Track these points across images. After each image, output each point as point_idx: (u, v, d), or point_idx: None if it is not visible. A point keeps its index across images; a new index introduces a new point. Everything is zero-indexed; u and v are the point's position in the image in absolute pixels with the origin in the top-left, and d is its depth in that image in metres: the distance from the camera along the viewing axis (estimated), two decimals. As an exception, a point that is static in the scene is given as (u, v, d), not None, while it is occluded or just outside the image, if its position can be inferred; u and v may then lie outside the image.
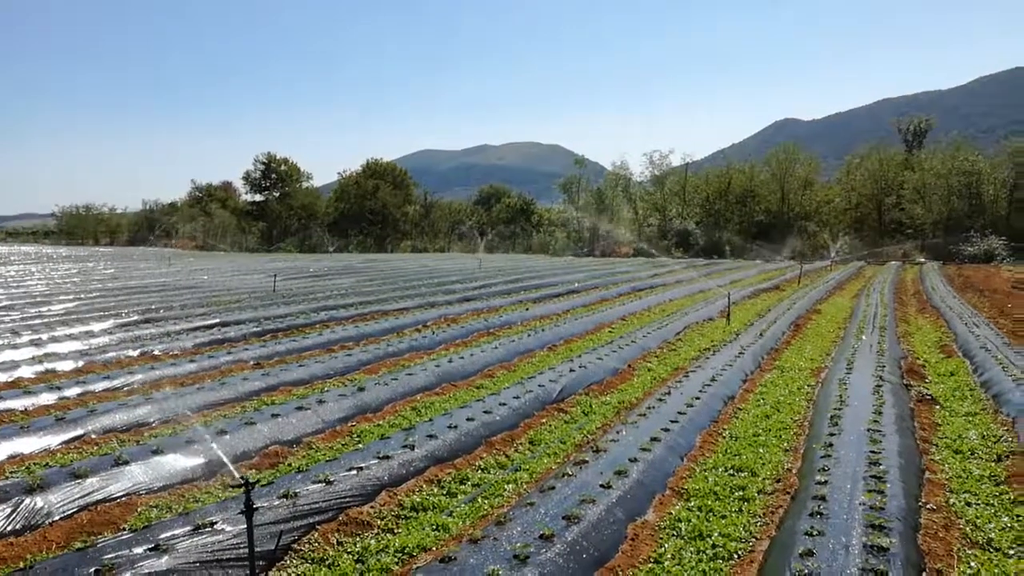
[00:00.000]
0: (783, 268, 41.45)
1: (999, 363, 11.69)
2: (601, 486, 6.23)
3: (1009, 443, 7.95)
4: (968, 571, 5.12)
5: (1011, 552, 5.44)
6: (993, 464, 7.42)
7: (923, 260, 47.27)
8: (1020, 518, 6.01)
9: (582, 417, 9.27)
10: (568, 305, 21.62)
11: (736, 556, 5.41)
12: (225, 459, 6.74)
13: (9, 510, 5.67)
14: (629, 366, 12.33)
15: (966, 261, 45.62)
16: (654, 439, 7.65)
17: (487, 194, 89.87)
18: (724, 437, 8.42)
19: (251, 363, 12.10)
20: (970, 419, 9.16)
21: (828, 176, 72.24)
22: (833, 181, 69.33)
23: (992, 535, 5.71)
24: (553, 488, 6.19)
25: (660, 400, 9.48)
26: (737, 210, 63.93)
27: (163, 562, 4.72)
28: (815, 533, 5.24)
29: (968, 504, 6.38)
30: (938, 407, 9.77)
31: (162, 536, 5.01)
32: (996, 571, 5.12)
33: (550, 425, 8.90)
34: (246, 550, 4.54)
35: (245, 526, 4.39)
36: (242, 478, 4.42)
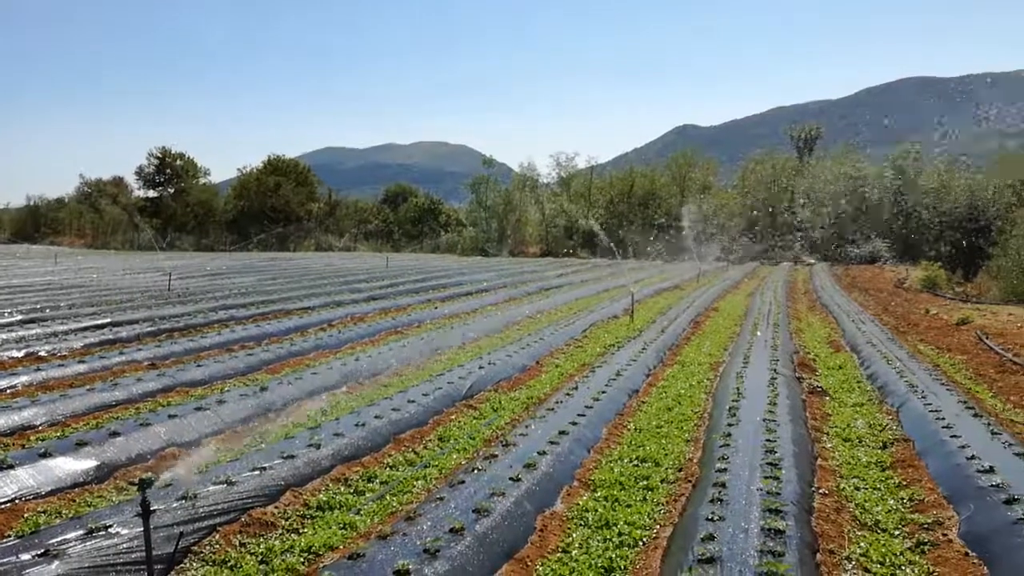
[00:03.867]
0: (683, 268, 42.66)
1: (884, 357, 12.38)
2: (511, 479, 6.26)
3: (894, 431, 8.42)
4: (858, 551, 5.40)
5: (896, 533, 5.76)
6: (879, 451, 7.85)
7: (813, 261, 49.50)
8: (904, 501, 6.38)
9: (491, 413, 9.30)
10: (477, 304, 21.65)
11: (641, 543, 5.54)
12: (119, 461, 6.44)
13: None
14: (537, 363, 12.45)
15: (853, 262, 48.05)
16: (562, 432, 7.74)
17: (394, 193, 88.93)
18: (629, 429, 8.61)
19: (145, 363, 11.60)
20: (858, 409, 9.66)
21: (725, 180, 74.82)
22: (729, 185, 71.88)
23: (879, 517, 6.04)
24: (463, 483, 6.18)
25: (568, 395, 9.61)
26: (640, 212, 65.41)
27: (53, 568, 4.46)
28: (716, 518, 5.42)
29: (857, 488, 6.73)
30: (828, 398, 10.27)
31: (52, 541, 4.74)
32: (883, 550, 5.41)
33: (460, 421, 8.89)
34: (143, 554, 4.35)
35: (141, 529, 4.21)
36: (138, 480, 4.23)
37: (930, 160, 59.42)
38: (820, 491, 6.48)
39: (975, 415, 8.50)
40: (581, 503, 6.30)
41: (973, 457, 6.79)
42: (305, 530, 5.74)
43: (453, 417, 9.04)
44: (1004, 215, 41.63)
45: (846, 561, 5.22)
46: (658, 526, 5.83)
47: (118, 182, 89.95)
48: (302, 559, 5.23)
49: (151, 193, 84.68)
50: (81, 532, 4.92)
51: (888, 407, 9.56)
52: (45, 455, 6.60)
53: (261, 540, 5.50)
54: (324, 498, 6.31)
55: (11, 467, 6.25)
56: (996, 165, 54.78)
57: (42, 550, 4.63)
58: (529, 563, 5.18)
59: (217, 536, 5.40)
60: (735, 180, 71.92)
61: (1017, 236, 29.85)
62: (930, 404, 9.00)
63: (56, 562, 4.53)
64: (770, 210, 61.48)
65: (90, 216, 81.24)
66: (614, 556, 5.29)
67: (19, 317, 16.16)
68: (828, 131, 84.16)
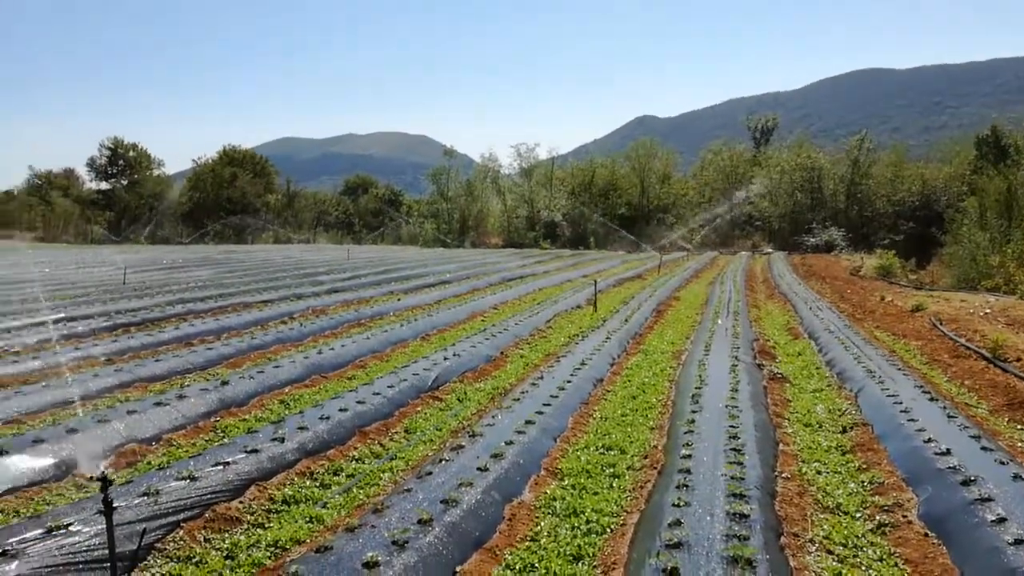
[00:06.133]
0: (644, 258, 43.03)
1: (841, 343, 12.62)
2: (478, 469, 6.26)
3: (853, 416, 8.59)
4: (821, 533, 5.50)
5: (858, 515, 5.89)
6: (839, 435, 8.00)
7: (771, 250, 50.26)
8: (864, 484, 6.52)
9: (457, 404, 9.29)
10: (440, 295, 21.58)
11: (609, 530, 5.58)
12: (77, 458, 6.30)
13: None
14: (502, 353, 12.45)
15: (809, 251, 48.87)
16: (528, 422, 7.76)
17: (354, 184, 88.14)
18: (594, 418, 8.66)
19: (102, 359, 11.35)
20: (817, 395, 9.84)
21: (684, 171, 75.55)
22: (688, 176, 72.60)
23: (841, 500, 6.16)
24: (431, 474, 6.16)
25: (533, 385, 9.63)
26: (601, 202, 65.74)
27: (13, 568, 4.35)
28: (682, 504, 5.48)
29: (819, 472, 6.85)
30: (788, 384, 10.44)
31: (10, 541, 4.61)
32: (845, 532, 5.52)
33: (425, 413, 8.86)
34: (106, 551, 4.27)
35: (103, 526, 4.12)
36: (99, 476, 4.14)
37: (883, 150, 60.68)
38: (783, 475, 6.58)
39: (931, 399, 8.71)
40: (549, 492, 6.32)
41: (930, 440, 6.95)
42: (271, 524, 5.68)
43: (419, 409, 9.01)
44: (955, 204, 42.70)
45: (810, 544, 5.32)
46: (625, 513, 5.88)
47: (69, 174, 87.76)
48: (268, 553, 5.18)
49: (103, 185, 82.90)
50: (40, 531, 4.80)
51: (847, 392, 9.75)
52: (1, 453, 6.43)
53: (226, 535, 5.42)
54: (289, 492, 6.25)
55: (-36, 466, 6.08)
56: (947, 155, 56.07)
57: (0, 550, 4.51)
58: (498, 552, 5.19)
59: (181, 532, 5.32)
60: (693, 170, 72.68)
61: (968, 225, 30.64)
62: (887, 389, 9.20)
63: (15, 562, 4.42)
64: (728, 200, 62.25)
65: (41, 209, 79.15)
66: (582, 543, 5.32)
67: (-32, 313, 15.69)
68: (784, 122, 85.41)
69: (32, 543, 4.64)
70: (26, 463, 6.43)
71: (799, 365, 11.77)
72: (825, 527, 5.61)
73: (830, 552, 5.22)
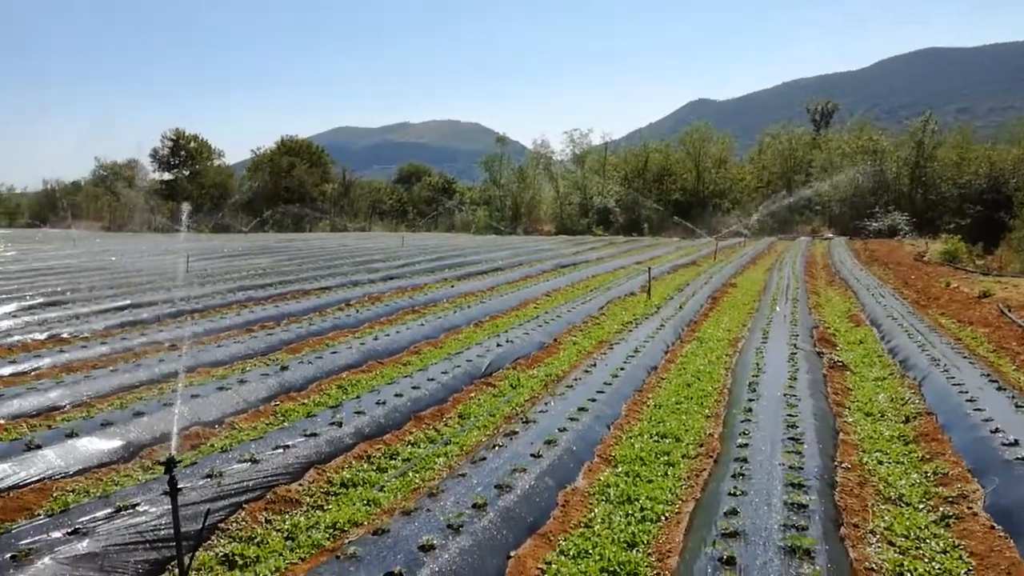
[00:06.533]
0: (699, 244, 42.46)
1: (905, 331, 12.29)
2: (532, 455, 6.28)
3: (916, 405, 8.36)
4: (882, 524, 5.38)
5: (920, 506, 5.74)
6: (902, 425, 7.81)
7: (831, 235, 49.10)
8: (928, 475, 6.35)
9: (510, 390, 9.32)
10: (493, 282, 21.65)
11: (663, 518, 5.55)
12: (144, 440, 6.51)
13: (-90, 500, 5.35)
14: (555, 340, 12.45)
15: (871, 236, 47.62)
16: (581, 409, 7.75)
17: (408, 172, 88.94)
18: (648, 406, 8.60)
19: (167, 344, 11.69)
20: (879, 383, 9.61)
21: (740, 155, 74.16)
22: (745, 160, 71.23)
23: (903, 491, 6.01)
24: (484, 459, 6.21)
25: (586, 372, 9.61)
26: (655, 188, 64.97)
27: (84, 545, 4.53)
28: (738, 493, 5.42)
29: (880, 463, 6.70)
30: (849, 372, 10.21)
31: (81, 519, 4.81)
32: (908, 523, 5.39)
33: (479, 399, 8.92)
34: (171, 531, 4.41)
35: (168, 507, 4.26)
36: (167, 459, 4.27)
37: (949, 131, 58.60)
38: (843, 465, 6.45)
39: (999, 388, 8.43)
40: (603, 479, 6.31)
41: (997, 430, 6.74)
42: (329, 507, 5.79)
43: (472, 395, 9.07)
44: (1025, 186, 41.10)
45: (870, 535, 5.21)
46: (680, 501, 5.83)
47: (133, 165, 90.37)
48: (327, 535, 5.29)
49: (166, 175, 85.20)
50: (109, 510, 4.99)
51: (910, 381, 9.49)
52: (71, 435, 6.68)
53: (286, 517, 5.55)
54: (347, 475, 6.36)
55: (39, 447, 6.34)
56: (1017, 136, 53.87)
57: (71, 528, 4.70)
58: (552, 538, 5.21)
59: (243, 513, 5.46)
60: (750, 154, 71.28)
61: (1039, 208, 29.48)
62: (953, 377, 8.93)
63: (86, 540, 4.60)
64: (787, 184, 60.97)
65: (107, 199, 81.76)
66: (636, 531, 5.30)
67: (41, 300, 16.32)
68: (845, 104, 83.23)
69: (101, 522, 4.83)
70: (95, 445, 6.67)
71: (860, 353, 11.50)
72: (886, 518, 5.49)
73: (891, 544, 5.10)
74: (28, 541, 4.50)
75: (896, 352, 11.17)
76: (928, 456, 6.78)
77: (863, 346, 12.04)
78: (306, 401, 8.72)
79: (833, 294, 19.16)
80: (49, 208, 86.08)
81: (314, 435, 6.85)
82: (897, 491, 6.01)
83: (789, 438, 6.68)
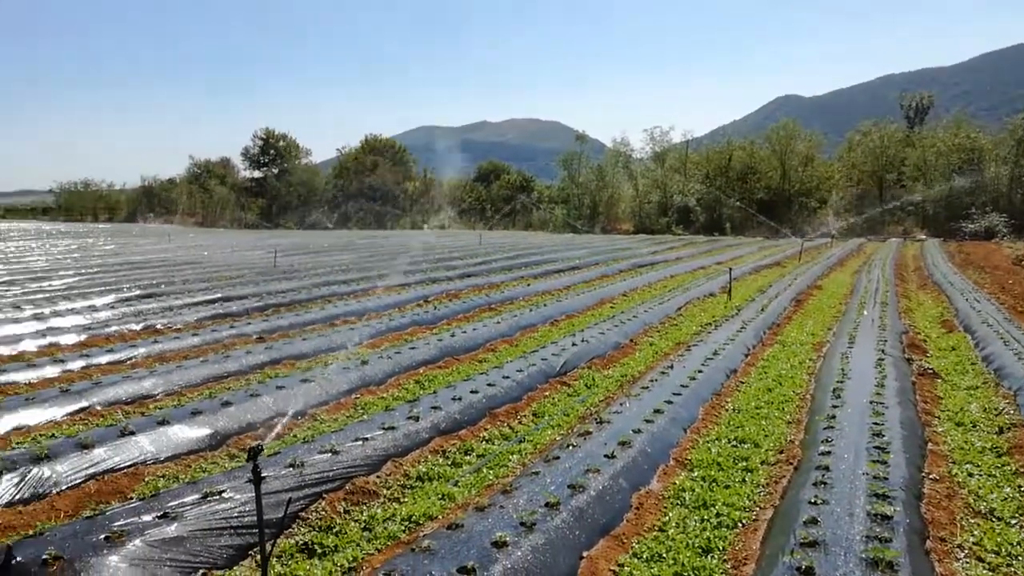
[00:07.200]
0: (783, 245, 41.41)
1: (1000, 338, 11.71)
2: (605, 456, 6.26)
3: (1011, 416, 7.97)
4: (971, 539, 5.16)
5: (1013, 521, 5.48)
6: (995, 436, 7.45)
7: (924, 237, 47.12)
8: (1022, 489, 6.05)
9: (585, 390, 9.30)
10: (569, 281, 21.62)
11: (740, 524, 5.45)
12: (231, 429, 6.76)
13: (16, 479, 5.69)
14: (631, 340, 12.35)
15: (967, 238, 45.47)
16: (657, 411, 7.67)
17: (486, 171, 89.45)
18: (726, 409, 8.45)
19: (254, 337, 12.11)
20: (971, 392, 9.19)
21: (829, 153, 71.82)
22: (834, 158, 68.93)
23: (994, 505, 5.75)
24: (558, 458, 6.22)
25: (662, 373, 9.50)
26: (738, 187, 63.52)
27: (172, 529, 4.74)
28: (819, 502, 5.28)
29: (970, 475, 6.42)
30: (940, 380, 9.81)
31: (170, 504, 5.04)
32: (999, 539, 5.16)
33: (553, 398, 8.93)
34: (254, 517, 4.57)
35: (252, 494, 4.41)
36: (252, 448, 4.43)
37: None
38: (930, 476, 6.20)
39: (1104, 401, 7.96)
40: (677, 482, 6.24)
41: (1102, 445, 6.37)
42: (406, 499, 5.90)
43: (547, 393, 9.09)
44: None
45: (958, 549, 5.00)
46: (758, 508, 5.72)
47: (226, 163, 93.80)
48: (403, 527, 5.39)
49: (256, 173, 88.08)
50: (197, 496, 5.20)
51: (1005, 390, 9.05)
52: (163, 423, 7.00)
53: (364, 508, 5.69)
54: (423, 469, 6.47)
55: (132, 433, 6.66)
56: None
57: (161, 512, 4.92)
58: (625, 540, 5.18)
59: (323, 503, 5.62)
60: (840, 152, 68.96)
61: None
62: (1053, 388, 8.47)
63: (175, 524, 4.81)
64: (878, 184, 58.82)
65: (200, 196, 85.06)
66: (712, 536, 5.22)
67: (137, 292, 17.13)
68: (941, 99, 79.68)
69: (189, 507, 5.04)
70: (185, 432, 6.97)
71: (952, 360, 11.03)
72: (976, 533, 5.26)
73: (980, 560, 4.89)
74: (121, 523, 4.74)
75: (991, 360, 10.66)
76: (1023, 470, 6.46)
77: (955, 353, 11.53)
78: (384, 395, 8.90)
79: (925, 298, 18.42)
80: (146, 204, 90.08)
81: (392, 428, 6.99)
82: (988, 505, 5.75)
83: (874, 447, 6.46)
